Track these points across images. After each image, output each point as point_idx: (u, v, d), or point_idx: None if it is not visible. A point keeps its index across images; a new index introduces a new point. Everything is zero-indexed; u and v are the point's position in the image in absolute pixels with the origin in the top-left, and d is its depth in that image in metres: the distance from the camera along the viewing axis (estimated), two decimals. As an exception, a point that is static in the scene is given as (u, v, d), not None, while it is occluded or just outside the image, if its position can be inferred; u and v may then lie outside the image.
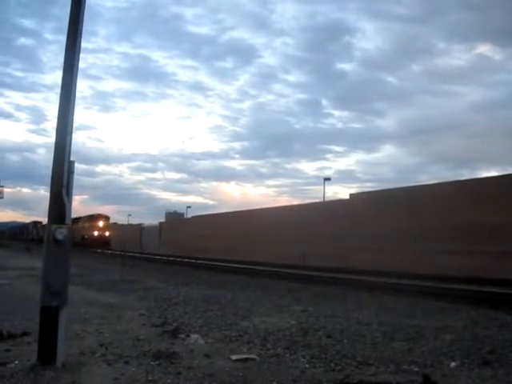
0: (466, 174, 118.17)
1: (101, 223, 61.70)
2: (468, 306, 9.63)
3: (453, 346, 6.02)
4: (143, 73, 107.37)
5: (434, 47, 73.51)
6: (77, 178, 5.20)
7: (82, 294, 10.73)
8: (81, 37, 5.25)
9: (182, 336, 6.49)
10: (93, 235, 60.15)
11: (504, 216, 19.97)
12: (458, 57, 71.24)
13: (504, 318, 8.26)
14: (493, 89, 66.03)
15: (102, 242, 58.19)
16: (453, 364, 5.24)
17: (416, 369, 5.03)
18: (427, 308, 9.38)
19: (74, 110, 5.18)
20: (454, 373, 4.93)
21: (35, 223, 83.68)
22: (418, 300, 10.54)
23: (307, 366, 5.19)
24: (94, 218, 62.47)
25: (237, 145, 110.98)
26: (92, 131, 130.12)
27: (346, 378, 4.62)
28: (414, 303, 10.09)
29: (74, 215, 5.62)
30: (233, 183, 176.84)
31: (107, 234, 61.66)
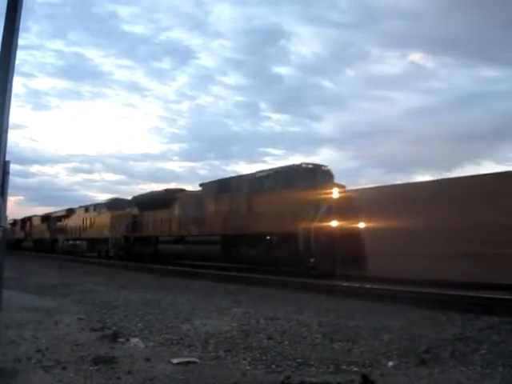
0: (401, 178, 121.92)
1: (344, 205, 16.88)
2: (405, 307, 9.87)
3: (390, 345, 6.19)
4: (78, 71, 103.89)
5: (368, 53, 75.49)
6: (10, 179, 4.99)
7: (17, 298, 10.34)
8: (18, 33, 5.06)
9: (122, 340, 6.38)
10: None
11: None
12: (392, 63, 73.63)
13: (439, 318, 8.53)
14: (426, 95, 68.60)
15: (352, 258, 15.80)
16: (390, 363, 5.38)
17: (355, 369, 5.14)
18: (365, 309, 9.58)
19: (9, 108, 4.98)
20: (392, 372, 5.07)
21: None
22: (356, 301, 10.73)
23: (248, 368, 5.21)
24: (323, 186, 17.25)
25: (176, 146, 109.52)
26: (25, 130, 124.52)
27: (286, 380, 4.66)
28: (353, 304, 10.28)
29: (11, 217, 5.34)
30: (173, 185, 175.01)
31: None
